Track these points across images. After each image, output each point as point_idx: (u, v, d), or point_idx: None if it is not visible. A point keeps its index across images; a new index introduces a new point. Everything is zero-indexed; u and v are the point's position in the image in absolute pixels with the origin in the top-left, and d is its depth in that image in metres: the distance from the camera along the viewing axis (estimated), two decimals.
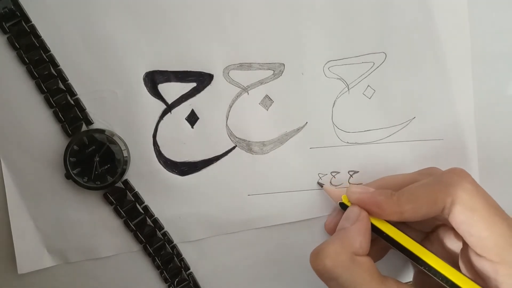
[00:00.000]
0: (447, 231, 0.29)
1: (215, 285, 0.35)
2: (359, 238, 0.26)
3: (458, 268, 0.26)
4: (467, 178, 0.26)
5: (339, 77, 0.33)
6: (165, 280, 0.34)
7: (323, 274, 0.26)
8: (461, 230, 0.26)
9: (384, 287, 0.25)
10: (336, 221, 0.31)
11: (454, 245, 0.29)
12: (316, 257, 0.26)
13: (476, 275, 0.26)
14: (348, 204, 0.29)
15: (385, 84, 0.33)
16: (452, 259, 0.28)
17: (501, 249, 0.24)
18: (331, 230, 0.32)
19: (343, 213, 0.29)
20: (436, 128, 0.34)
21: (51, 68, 0.30)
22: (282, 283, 0.35)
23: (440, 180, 0.27)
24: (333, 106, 0.33)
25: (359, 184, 0.34)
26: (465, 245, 0.27)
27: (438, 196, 0.26)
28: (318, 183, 0.33)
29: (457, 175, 0.26)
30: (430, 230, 0.31)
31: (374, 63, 0.33)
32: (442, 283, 0.25)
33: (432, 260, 0.26)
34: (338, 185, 0.34)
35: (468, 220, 0.25)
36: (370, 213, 0.28)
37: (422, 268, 0.26)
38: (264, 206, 0.33)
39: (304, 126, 0.33)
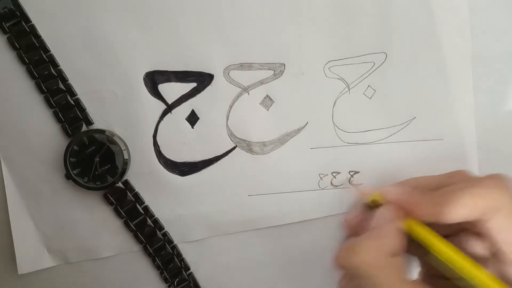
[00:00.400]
0: (469, 236, 0.28)
1: (215, 285, 0.35)
2: (394, 238, 0.26)
3: None
4: (506, 184, 0.26)
5: (339, 77, 0.33)
6: (165, 280, 0.34)
7: (353, 270, 0.25)
8: (499, 237, 0.25)
9: None
10: (358, 220, 0.30)
11: (477, 251, 0.28)
12: (348, 252, 0.25)
13: (509, 285, 0.25)
14: (381, 202, 0.28)
15: (386, 84, 0.33)
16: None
17: None
18: (352, 228, 0.31)
19: (369, 212, 0.28)
20: (436, 128, 0.34)
21: (51, 68, 0.30)
22: (282, 283, 0.35)
23: (479, 185, 0.26)
24: (334, 106, 0.33)
25: (359, 185, 0.33)
26: (497, 254, 0.26)
27: (479, 201, 0.25)
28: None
29: (496, 180, 0.26)
30: (450, 233, 0.30)
31: (374, 63, 0.33)
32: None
33: (469, 265, 0.25)
34: (339, 186, 0.34)
35: (508, 228, 0.25)
36: (406, 213, 0.27)
37: (455, 270, 0.25)
38: (264, 207, 0.33)
39: (304, 126, 0.33)
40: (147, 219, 0.33)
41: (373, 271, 0.24)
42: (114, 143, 0.31)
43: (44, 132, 0.31)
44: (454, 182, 0.27)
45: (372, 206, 0.29)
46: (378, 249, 0.25)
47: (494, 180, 0.26)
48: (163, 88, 0.32)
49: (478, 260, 0.27)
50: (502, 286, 0.24)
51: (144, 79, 0.31)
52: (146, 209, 0.33)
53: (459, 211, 0.25)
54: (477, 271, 0.25)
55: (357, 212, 0.32)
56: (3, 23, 0.30)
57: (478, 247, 0.28)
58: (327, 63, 0.32)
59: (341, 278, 0.28)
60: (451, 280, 0.28)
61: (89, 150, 0.31)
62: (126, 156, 0.31)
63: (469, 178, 0.28)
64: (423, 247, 0.27)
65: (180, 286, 0.34)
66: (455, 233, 0.29)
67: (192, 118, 0.32)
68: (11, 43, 0.30)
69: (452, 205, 0.25)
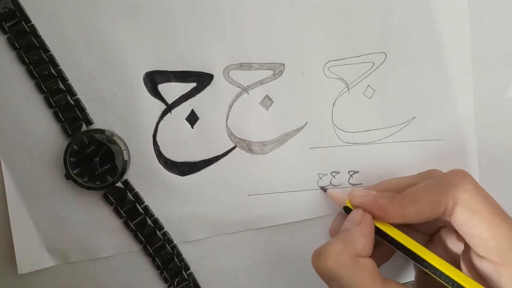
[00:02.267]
0: (449, 232, 0.29)
1: (215, 285, 0.35)
2: (362, 240, 0.26)
3: (459, 269, 0.26)
4: (468, 179, 0.26)
5: (339, 77, 0.33)
6: (165, 280, 0.34)
7: (324, 274, 0.26)
8: (462, 231, 0.26)
9: None
10: (340, 226, 0.31)
11: (456, 246, 0.29)
12: (318, 257, 0.26)
13: (478, 277, 0.26)
14: (351, 207, 0.29)
15: (385, 84, 0.33)
16: (454, 261, 0.28)
17: (503, 250, 0.24)
18: (336, 235, 0.32)
19: (347, 217, 0.29)
20: (436, 128, 0.34)
21: (51, 68, 0.30)
22: (282, 283, 0.35)
23: (442, 182, 0.27)
24: (333, 106, 0.33)
25: (359, 185, 0.34)
26: (467, 247, 0.27)
27: (439, 197, 0.26)
28: (321, 187, 0.33)
29: (459, 177, 0.26)
30: (433, 232, 0.31)
31: (374, 63, 0.33)
32: (446, 284, 0.25)
33: (436, 262, 0.26)
34: (338, 185, 0.34)
35: (470, 222, 0.25)
36: (373, 216, 0.28)
37: (426, 270, 0.26)
38: (264, 206, 0.33)
39: (304, 126, 0.33)
40: (147, 219, 0.33)
41: (341, 273, 0.25)
42: (114, 143, 0.31)
43: (44, 132, 0.31)
44: (421, 182, 0.28)
45: (347, 211, 0.30)
46: (345, 251, 0.26)
47: (454, 176, 0.27)
48: (163, 88, 0.32)
49: (457, 257, 0.28)
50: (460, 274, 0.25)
51: (144, 79, 0.31)
52: (146, 209, 0.33)
53: (419, 211, 0.26)
54: (427, 255, 0.26)
55: (339, 218, 0.33)
56: (3, 23, 0.30)
57: (456, 243, 0.28)
58: (326, 63, 0.32)
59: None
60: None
61: (89, 150, 0.31)
62: (126, 156, 0.31)
63: (433, 177, 0.29)
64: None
65: (180, 286, 0.34)
66: (437, 231, 0.30)
67: (192, 118, 0.32)
68: (11, 43, 0.30)
69: (412, 206, 0.26)
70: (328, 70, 0.33)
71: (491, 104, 0.34)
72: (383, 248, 0.31)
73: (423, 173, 0.31)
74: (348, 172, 0.34)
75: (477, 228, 0.25)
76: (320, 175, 0.33)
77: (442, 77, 0.33)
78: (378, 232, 0.28)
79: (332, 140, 0.33)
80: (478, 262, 0.25)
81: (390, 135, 0.34)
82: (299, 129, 0.33)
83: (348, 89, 0.33)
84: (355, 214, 0.28)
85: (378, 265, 0.31)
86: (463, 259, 0.27)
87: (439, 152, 0.34)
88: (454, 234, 0.28)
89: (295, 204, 0.33)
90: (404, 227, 0.28)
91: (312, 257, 0.26)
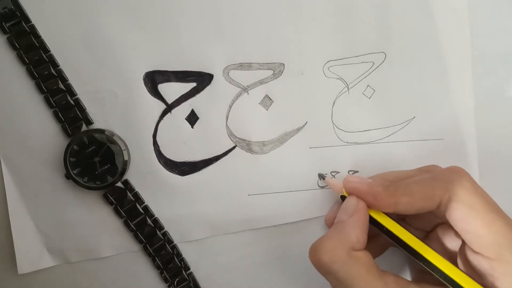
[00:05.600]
0: (446, 229, 0.29)
1: (215, 285, 0.35)
2: (356, 232, 0.26)
3: (456, 265, 0.26)
4: (465, 176, 0.26)
5: (338, 77, 0.33)
6: (165, 280, 0.34)
7: (320, 268, 0.26)
8: (458, 227, 0.26)
9: (382, 282, 0.25)
10: (335, 215, 0.31)
11: (453, 243, 0.29)
12: (314, 252, 0.26)
13: (473, 272, 0.26)
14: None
15: (385, 84, 0.33)
16: (450, 258, 0.28)
17: (498, 246, 0.24)
18: (331, 224, 0.32)
19: None
20: (436, 128, 0.34)
21: (51, 68, 0.30)
22: (282, 283, 0.35)
23: (438, 177, 0.27)
24: (333, 106, 0.33)
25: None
26: (463, 243, 0.27)
27: (434, 191, 0.26)
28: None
29: (456, 173, 0.27)
30: (429, 229, 0.31)
31: (373, 63, 0.33)
32: (440, 279, 0.25)
33: (431, 256, 0.26)
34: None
35: (466, 218, 0.25)
36: (367, 204, 0.28)
37: (421, 263, 0.26)
38: (264, 206, 0.33)
39: (304, 126, 0.33)
40: (147, 219, 0.33)
41: (336, 267, 0.25)
42: (114, 143, 0.31)
43: (44, 132, 0.31)
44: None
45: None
46: (340, 246, 0.26)
47: (451, 172, 0.27)
48: (163, 88, 0.32)
49: (454, 254, 0.28)
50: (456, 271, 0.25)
51: (144, 79, 0.31)
52: (146, 208, 0.33)
53: (412, 201, 0.26)
54: (422, 248, 0.26)
55: (335, 207, 0.32)
56: (3, 23, 0.30)
57: (453, 240, 0.29)
58: (326, 63, 0.32)
59: None
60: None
61: (89, 150, 0.31)
62: (126, 156, 0.31)
63: (432, 172, 0.29)
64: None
65: (180, 286, 0.34)
66: (434, 228, 0.30)
67: (192, 118, 0.32)
68: (11, 43, 0.30)
69: (405, 196, 0.26)
70: (328, 70, 0.33)
71: (491, 103, 0.34)
72: (379, 241, 0.31)
73: (423, 167, 0.31)
74: (348, 172, 0.34)
75: (472, 224, 0.25)
76: (320, 175, 0.33)
77: (442, 77, 0.33)
78: (375, 223, 0.28)
79: (332, 140, 0.33)
80: (473, 258, 0.26)
81: (390, 135, 0.34)
82: (299, 129, 0.33)
83: (348, 89, 0.33)
84: (349, 203, 0.28)
85: (374, 257, 0.32)
86: (459, 255, 0.27)
87: (439, 151, 0.34)
88: (451, 231, 0.29)
89: (295, 204, 0.33)
90: (400, 222, 0.28)
91: (309, 251, 0.27)
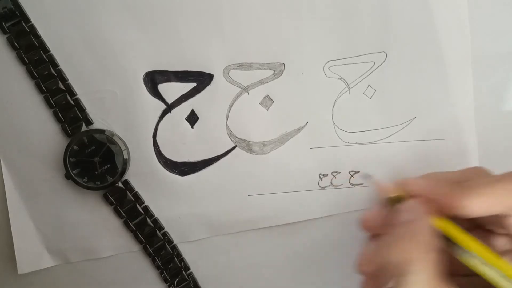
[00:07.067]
0: (483, 233, 0.28)
1: (215, 285, 0.35)
2: (430, 233, 0.24)
3: None
4: None
5: (339, 76, 0.33)
6: (165, 280, 0.34)
7: (393, 269, 0.24)
8: None
9: None
10: (380, 218, 0.29)
11: (497, 247, 0.27)
12: (384, 249, 0.24)
13: None
14: (404, 197, 0.27)
15: (386, 84, 0.33)
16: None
17: None
18: (374, 227, 0.30)
19: (388, 209, 0.27)
20: (436, 128, 0.34)
21: (51, 68, 0.30)
22: (282, 283, 0.35)
23: (506, 180, 0.25)
24: (334, 106, 0.33)
25: (360, 185, 0.33)
26: None
27: (503, 195, 0.25)
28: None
29: None
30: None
31: (374, 63, 0.33)
32: None
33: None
34: (339, 185, 0.34)
35: None
36: (432, 207, 0.26)
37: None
38: (264, 207, 0.33)
39: (304, 126, 0.33)
40: (147, 219, 0.33)
41: (412, 267, 0.23)
42: (114, 143, 0.31)
43: (44, 132, 0.31)
44: (474, 178, 0.27)
45: (392, 202, 0.28)
46: (416, 245, 0.24)
47: None
48: (163, 88, 0.32)
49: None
50: None
51: (144, 79, 0.31)
52: (146, 209, 0.33)
53: (482, 204, 0.25)
54: (503, 263, 0.24)
55: (376, 210, 0.30)
56: (3, 23, 0.30)
57: (500, 245, 0.27)
58: (327, 63, 0.32)
59: (366, 281, 0.27)
60: (470, 277, 0.27)
61: (89, 150, 0.31)
62: (126, 156, 0.31)
63: (489, 174, 0.28)
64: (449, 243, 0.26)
65: (180, 286, 0.34)
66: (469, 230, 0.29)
67: (192, 118, 0.32)
68: (11, 43, 0.30)
69: (477, 198, 0.25)
70: (329, 70, 0.32)
71: (491, 103, 0.34)
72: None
73: (469, 169, 0.29)
74: (349, 172, 0.34)
75: None
76: (321, 175, 0.33)
77: (443, 76, 0.33)
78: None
79: (332, 140, 0.33)
80: None
81: (390, 135, 0.34)
82: (299, 129, 0.33)
83: (349, 89, 0.33)
84: (417, 205, 0.26)
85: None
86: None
87: (440, 152, 0.34)
88: (491, 236, 0.27)
89: (295, 204, 0.33)
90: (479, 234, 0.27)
91: (370, 250, 0.25)
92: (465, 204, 0.25)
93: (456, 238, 0.26)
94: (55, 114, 0.31)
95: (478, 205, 0.25)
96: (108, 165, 0.31)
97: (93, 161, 0.31)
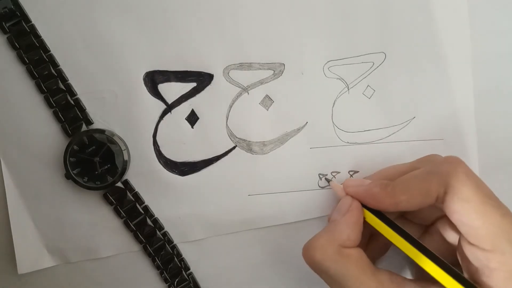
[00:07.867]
0: (445, 223, 0.29)
1: (215, 285, 0.35)
2: (347, 231, 0.27)
3: (456, 259, 0.26)
4: (460, 166, 0.26)
5: (339, 77, 0.33)
6: (165, 280, 0.34)
7: (313, 267, 0.26)
8: (454, 219, 0.26)
9: (375, 279, 0.25)
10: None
11: (452, 236, 0.28)
12: (306, 251, 0.27)
13: (470, 264, 0.26)
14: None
15: (385, 84, 0.33)
16: (451, 251, 0.28)
17: (493, 237, 0.24)
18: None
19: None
20: (436, 128, 0.34)
21: (51, 68, 0.30)
22: (282, 283, 0.35)
23: (434, 170, 0.26)
24: (333, 106, 0.33)
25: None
26: (461, 236, 0.26)
27: (431, 186, 0.26)
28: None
29: (451, 164, 0.26)
30: (430, 223, 0.30)
31: (373, 63, 0.33)
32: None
33: (421, 260, 0.25)
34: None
35: (461, 210, 0.25)
36: (368, 205, 0.28)
37: (415, 260, 0.26)
38: (264, 206, 0.33)
39: (304, 126, 0.33)
40: (147, 219, 0.33)
41: (328, 265, 0.26)
42: (114, 143, 0.31)
43: (44, 132, 0.31)
44: (419, 168, 0.28)
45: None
46: (330, 244, 0.26)
47: (446, 164, 0.26)
48: (163, 88, 0.32)
49: (454, 247, 0.28)
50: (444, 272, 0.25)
51: (144, 79, 0.31)
52: (146, 209, 0.33)
53: (410, 199, 0.26)
54: (416, 251, 0.26)
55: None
56: (3, 23, 0.30)
57: (453, 233, 0.28)
58: (326, 63, 0.32)
59: None
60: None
61: (89, 150, 0.31)
62: (126, 156, 0.31)
63: (430, 163, 0.28)
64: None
65: (180, 286, 0.34)
66: (434, 222, 0.30)
67: (192, 118, 0.32)
68: (11, 43, 0.30)
69: (403, 194, 0.26)
70: (328, 70, 0.33)
71: (491, 103, 0.34)
72: (382, 238, 0.31)
73: (423, 158, 0.30)
74: (349, 172, 0.34)
75: (467, 216, 0.25)
76: (321, 175, 0.33)
77: (442, 76, 0.33)
78: (373, 222, 0.28)
79: (332, 140, 0.33)
80: (469, 251, 0.25)
81: (390, 135, 0.34)
82: (299, 129, 0.33)
83: (348, 89, 0.33)
84: (343, 203, 0.29)
85: (377, 257, 0.31)
86: (458, 248, 0.27)
87: (439, 151, 0.33)
88: (451, 225, 0.28)
89: (295, 204, 0.33)
90: (400, 219, 0.28)
91: (302, 251, 0.27)
92: (391, 203, 0.27)
93: (375, 225, 0.28)
94: (55, 114, 0.31)
95: (404, 201, 0.26)
96: (108, 165, 0.31)
97: (93, 161, 0.31)
